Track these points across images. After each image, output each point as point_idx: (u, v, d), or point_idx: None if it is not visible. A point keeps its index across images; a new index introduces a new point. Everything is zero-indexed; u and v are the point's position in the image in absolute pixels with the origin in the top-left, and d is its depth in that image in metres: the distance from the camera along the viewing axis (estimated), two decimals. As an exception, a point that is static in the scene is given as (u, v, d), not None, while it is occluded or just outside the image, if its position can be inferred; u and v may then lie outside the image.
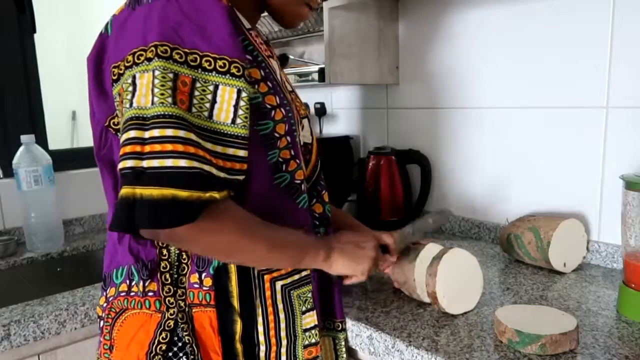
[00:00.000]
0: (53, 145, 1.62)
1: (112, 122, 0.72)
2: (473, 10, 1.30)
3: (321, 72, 1.36)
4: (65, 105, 2.34)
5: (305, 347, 0.79)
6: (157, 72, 0.60)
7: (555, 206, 1.21)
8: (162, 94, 0.60)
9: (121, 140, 0.61)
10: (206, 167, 0.60)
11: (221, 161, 0.63)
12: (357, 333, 0.88)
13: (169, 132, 0.59)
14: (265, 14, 0.85)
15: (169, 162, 0.58)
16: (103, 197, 0.80)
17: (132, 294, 0.74)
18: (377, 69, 1.46)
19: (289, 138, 0.75)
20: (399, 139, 1.54)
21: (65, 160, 1.58)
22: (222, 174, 0.62)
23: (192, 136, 0.60)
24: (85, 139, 2.33)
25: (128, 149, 0.59)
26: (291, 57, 1.73)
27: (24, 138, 1.37)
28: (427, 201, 1.44)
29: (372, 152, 1.46)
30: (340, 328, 0.88)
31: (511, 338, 0.75)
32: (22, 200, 1.38)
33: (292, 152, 0.76)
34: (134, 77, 0.62)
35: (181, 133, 0.59)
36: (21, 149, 1.37)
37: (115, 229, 0.63)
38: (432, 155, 1.44)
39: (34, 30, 1.53)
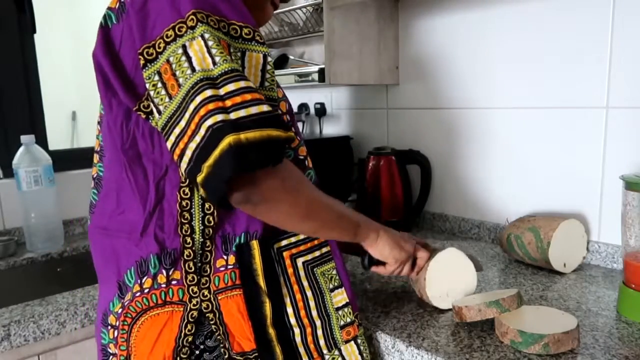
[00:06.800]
0: (53, 145, 1.62)
1: (142, 105, 0.70)
2: (473, 10, 1.30)
3: (321, 72, 1.36)
4: (65, 105, 2.33)
5: (342, 327, 0.76)
6: (206, 35, 0.62)
7: (555, 206, 1.21)
8: (221, 53, 0.61)
9: (198, 101, 0.60)
10: (277, 111, 0.62)
11: None
12: (357, 333, 0.88)
13: (242, 83, 0.60)
14: None
15: (254, 110, 0.60)
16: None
17: (145, 291, 0.71)
18: (377, 69, 1.46)
19: (288, 117, 0.76)
20: (399, 139, 1.54)
21: (65, 160, 1.58)
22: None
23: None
24: (85, 139, 2.32)
25: (211, 106, 0.59)
26: (291, 57, 1.74)
27: (24, 138, 1.37)
28: (427, 201, 1.44)
29: (372, 152, 1.46)
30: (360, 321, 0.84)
31: (514, 339, 0.75)
32: (22, 200, 1.38)
33: (293, 130, 0.77)
34: (184, 46, 0.62)
35: (251, 84, 0.61)
36: (21, 149, 1.37)
37: (217, 194, 0.59)
38: (432, 156, 1.44)
39: (34, 30, 1.53)
